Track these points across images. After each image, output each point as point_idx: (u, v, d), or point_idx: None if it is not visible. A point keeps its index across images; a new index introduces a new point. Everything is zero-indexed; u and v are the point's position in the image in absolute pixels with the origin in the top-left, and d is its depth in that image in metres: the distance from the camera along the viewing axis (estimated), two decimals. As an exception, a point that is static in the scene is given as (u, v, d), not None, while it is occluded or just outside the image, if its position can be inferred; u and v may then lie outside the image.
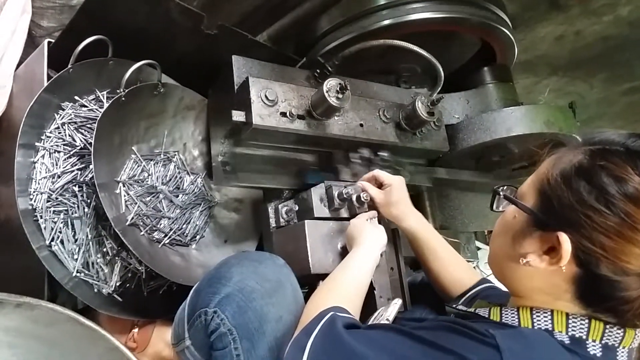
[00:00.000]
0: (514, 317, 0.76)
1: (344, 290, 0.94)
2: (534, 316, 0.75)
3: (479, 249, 2.12)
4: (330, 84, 1.12)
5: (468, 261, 1.85)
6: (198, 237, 1.31)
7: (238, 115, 1.11)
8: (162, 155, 1.29)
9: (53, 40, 1.25)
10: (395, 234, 1.30)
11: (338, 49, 1.46)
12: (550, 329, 0.73)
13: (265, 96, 1.12)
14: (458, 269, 1.16)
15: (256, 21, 1.50)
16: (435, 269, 1.17)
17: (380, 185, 1.20)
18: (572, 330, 0.72)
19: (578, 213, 0.68)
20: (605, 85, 2.50)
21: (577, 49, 2.19)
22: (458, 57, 1.71)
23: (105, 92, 1.23)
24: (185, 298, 1.07)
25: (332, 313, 0.81)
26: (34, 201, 1.07)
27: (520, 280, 0.78)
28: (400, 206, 1.18)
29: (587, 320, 0.72)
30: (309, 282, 1.17)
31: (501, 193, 0.82)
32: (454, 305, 0.86)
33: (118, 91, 1.24)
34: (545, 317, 0.74)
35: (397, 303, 0.93)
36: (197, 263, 1.25)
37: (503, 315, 0.77)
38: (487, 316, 0.78)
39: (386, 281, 1.22)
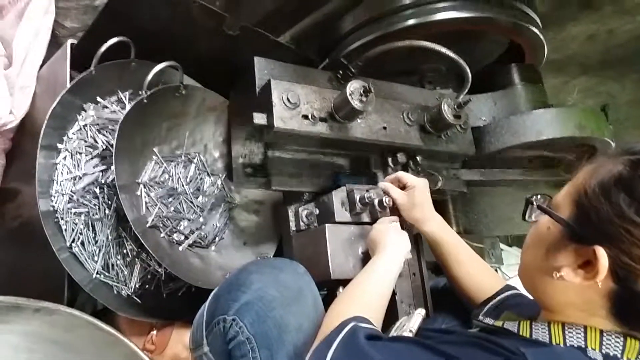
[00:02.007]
0: (545, 332, 0.73)
1: (365, 298, 0.92)
2: (567, 332, 0.71)
3: (501, 250, 2.07)
4: (354, 87, 1.09)
5: (492, 266, 1.81)
6: (217, 239, 1.30)
7: (259, 118, 1.09)
8: (183, 157, 1.28)
9: (76, 41, 1.25)
10: (418, 239, 1.27)
11: (361, 50, 1.44)
12: (583, 346, 0.69)
13: (287, 99, 1.10)
14: (481, 275, 1.13)
15: (278, 21, 1.47)
16: (458, 274, 1.14)
17: (403, 187, 1.18)
18: (607, 348, 0.68)
19: (617, 227, 0.65)
20: (638, 86, 2.41)
21: (609, 49, 2.12)
22: (485, 56, 1.67)
23: (127, 94, 1.23)
24: (204, 300, 1.06)
25: (353, 324, 0.79)
26: (55, 202, 1.07)
27: (553, 295, 0.74)
28: (422, 209, 1.15)
29: (622, 338, 0.68)
30: (329, 287, 1.15)
31: (534, 202, 0.78)
32: (480, 318, 0.83)
33: (140, 92, 1.24)
34: (578, 333, 0.71)
35: (420, 313, 0.90)
36: (216, 265, 1.24)
37: (533, 330, 0.74)
38: (516, 331, 0.75)
39: (408, 287, 1.20)
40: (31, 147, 1.28)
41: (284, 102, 1.10)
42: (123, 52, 1.22)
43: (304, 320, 0.86)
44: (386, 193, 1.16)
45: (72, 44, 1.24)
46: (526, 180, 1.55)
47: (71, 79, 1.19)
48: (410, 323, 0.87)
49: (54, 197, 1.08)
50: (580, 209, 0.70)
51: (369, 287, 0.94)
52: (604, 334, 0.69)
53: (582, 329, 0.70)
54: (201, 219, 1.26)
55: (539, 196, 0.84)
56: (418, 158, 1.26)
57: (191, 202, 1.25)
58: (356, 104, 1.09)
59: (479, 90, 1.53)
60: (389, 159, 1.26)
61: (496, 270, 1.85)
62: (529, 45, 1.57)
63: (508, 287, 1.10)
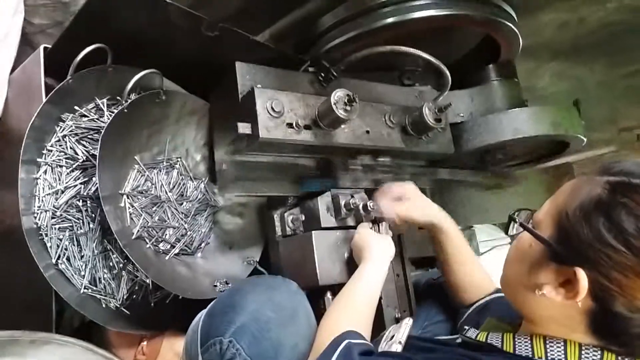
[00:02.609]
0: (527, 346, 0.77)
1: (355, 310, 0.95)
2: (548, 346, 0.76)
3: (470, 227, 2.12)
4: (338, 96, 1.09)
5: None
6: (203, 244, 1.30)
7: (244, 128, 1.09)
8: (164, 163, 1.27)
9: (49, 45, 1.21)
10: (400, 239, 1.30)
11: (340, 47, 1.43)
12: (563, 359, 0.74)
13: (272, 107, 1.10)
14: (478, 277, 1.17)
15: (257, 20, 1.45)
16: (457, 269, 1.17)
17: (397, 198, 1.20)
18: (585, 361, 0.73)
19: (596, 251, 0.68)
20: (606, 70, 2.48)
21: (580, 35, 2.16)
22: (461, 47, 1.68)
23: (105, 100, 1.19)
24: (192, 307, 1.08)
25: (347, 342, 0.82)
26: (38, 219, 1.06)
27: (535, 309, 0.79)
28: (425, 210, 1.18)
29: (599, 352, 0.73)
30: (317, 292, 1.18)
31: (517, 220, 0.82)
32: (465, 333, 0.87)
33: (118, 98, 1.22)
34: (558, 347, 0.75)
35: (408, 323, 0.94)
36: (203, 272, 1.24)
37: (517, 344, 0.78)
38: (500, 346, 0.79)
39: (392, 289, 1.23)
40: (8, 152, 1.25)
41: (268, 111, 1.10)
42: (99, 57, 1.18)
43: (299, 339, 0.88)
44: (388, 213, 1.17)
45: (45, 49, 1.20)
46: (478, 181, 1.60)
47: (46, 84, 1.15)
48: (400, 334, 0.90)
49: (37, 214, 1.06)
50: (562, 230, 0.73)
51: (358, 298, 0.97)
52: (583, 348, 0.74)
53: (562, 343, 0.75)
54: (186, 226, 1.26)
55: (521, 211, 0.87)
56: (383, 159, 1.27)
57: (175, 209, 1.24)
58: (341, 112, 1.09)
59: (455, 86, 1.55)
60: (353, 161, 1.26)
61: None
62: (505, 40, 1.59)
63: (497, 290, 1.15)
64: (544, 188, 1.58)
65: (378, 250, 1.07)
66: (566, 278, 0.72)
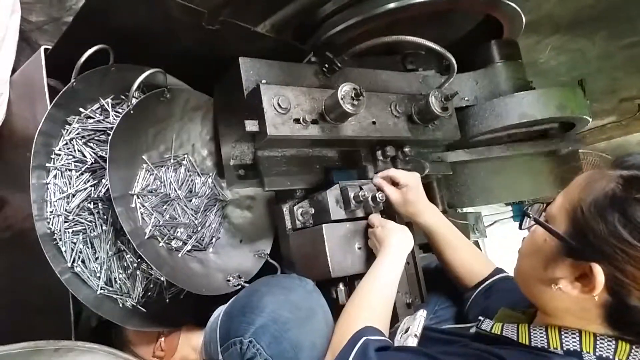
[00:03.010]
0: (542, 337, 0.79)
1: (373, 304, 0.96)
2: (563, 336, 0.77)
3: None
4: (345, 90, 1.09)
5: (477, 239, 1.89)
6: (214, 239, 1.31)
7: (251, 125, 1.08)
8: (172, 160, 1.27)
9: (49, 46, 1.19)
10: (409, 226, 1.31)
11: (341, 34, 1.42)
12: (578, 349, 0.75)
13: (278, 104, 1.09)
14: (474, 261, 1.20)
15: (255, 8, 1.43)
16: (452, 261, 1.20)
17: (396, 184, 1.21)
18: (600, 350, 0.75)
19: (612, 246, 0.69)
20: (607, 42, 2.47)
21: (581, 9, 2.14)
22: (461, 27, 1.66)
23: (109, 100, 1.19)
24: (206, 302, 1.09)
25: (365, 339, 0.83)
26: (52, 224, 1.06)
27: (550, 302, 0.80)
28: (417, 204, 1.19)
29: (614, 342, 0.75)
30: (329, 283, 1.20)
31: (532, 216, 0.82)
32: (480, 326, 0.88)
33: (122, 97, 1.21)
34: (573, 337, 0.77)
35: (422, 315, 0.95)
36: (216, 267, 1.26)
37: (532, 335, 0.80)
38: (516, 338, 0.81)
39: (404, 276, 1.24)
40: (13, 154, 1.25)
41: (274, 108, 1.10)
42: (100, 56, 1.17)
43: (317, 337, 0.90)
44: (380, 190, 1.19)
45: (46, 49, 1.18)
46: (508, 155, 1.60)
47: (48, 86, 1.14)
48: (415, 327, 0.92)
49: (49, 219, 1.06)
50: (577, 226, 0.74)
51: (375, 293, 0.99)
52: (598, 338, 0.75)
53: (578, 333, 0.76)
54: (197, 222, 1.26)
55: (534, 206, 0.88)
56: (406, 149, 1.28)
57: (185, 206, 1.25)
58: (348, 107, 1.09)
59: (459, 69, 1.54)
60: (378, 152, 1.28)
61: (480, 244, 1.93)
62: (507, 19, 1.57)
63: (498, 270, 1.17)
64: (549, 167, 1.59)
65: (398, 242, 1.08)
66: (582, 272, 0.73)
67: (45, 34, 1.50)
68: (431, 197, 1.26)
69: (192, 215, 1.26)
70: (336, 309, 1.03)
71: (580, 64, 2.69)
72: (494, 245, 3.31)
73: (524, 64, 1.59)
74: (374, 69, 1.38)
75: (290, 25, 1.47)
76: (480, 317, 0.91)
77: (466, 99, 1.50)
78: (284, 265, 1.29)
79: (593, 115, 1.56)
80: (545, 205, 0.85)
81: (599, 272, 0.70)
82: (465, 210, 1.86)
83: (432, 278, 1.34)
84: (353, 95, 1.08)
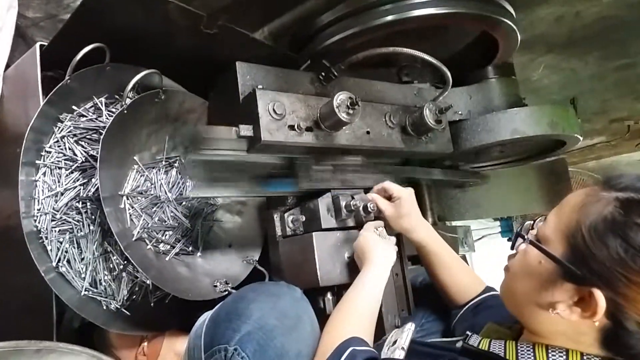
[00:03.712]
0: (530, 355, 0.78)
1: (359, 315, 0.96)
2: (550, 355, 0.77)
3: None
4: (341, 99, 1.09)
5: (465, 254, 1.89)
6: (203, 244, 1.30)
7: (246, 130, 1.08)
8: (163, 162, 1.26)
9: (45, 43, 1.18)
10: (399, 239, 1.31)
11: (338, 44, 1.42)
12: (563, 369, 0.75)
13: (274, 109, 1.09)
14: (465, 280, 1.19)
15: (253, 13, 1.43)
16: (443, 279, 1.19)
17: (389, 197, 1.20)
18: (585, 370, 0.74)
19: (613, 272, 0.68)
20: (599, 62, 2.50)
21: (576, 29, 2.17)
22: (457, 42, 1.68)
23: (103, 99, 1.18)
24: (191, 307, 1.07)
25: (351, 349, 0.83)
26: (38, 222, 1.05)
27: (542, 324, 0.79)
28: (410, 219, 1.18)
29: (600, 362, 0.74)
30: (316, 292, 1.19)
31: (527, 238, 0.80)
32: (467, 341, 0.88)
33: (116, 96, 1.20)
34: (560, 356, 0.76)
35: (410, 329, 0.95)
36: (203, 272, 1.24)
37: (519, 353, 0.79)
38: (502, 355, 0.80)
39: (391, 289, 1.24)
40: (3, 151, 1.23)
41: (270, 113, 1.09)
42: (96, 54, 1.16)
43: (303, 346, 0.89)
44: (372, 202, 1.18)
45: (41, 46, 1.17)
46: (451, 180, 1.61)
47: (42, 83, 1.13)
48: (402, 340, 0.91)
49: (36, 217, 1.05)
50: (576, 251, 0.72)
51: (360, 304, 0.98)
52: (585, 356, 0.75)
53: (565, 352, 0.76)
54: (186, 225, 1.25)
55: (525, 225, 0.87)
56: (355, 158, 1.27)
57: (175, 208, 1.24)
58: (343, 116, 1.09)
59: (454, 82, 1.55)
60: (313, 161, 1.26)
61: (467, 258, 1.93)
62: (504, 36, 1.59)
63: (487, 289, 1.16)
64: (539, 184, 1.60)
65: (381, 254, 1.08)
66: (580, 296, 0.72)
67: (42, 30, 1.49)
68: (422, 209, 1.25)
69: (181, 218, 1.25)
70: (323, 318, 1.02)
71: (572, 84, 2.72)
72: (481, 260, 3.32)
73: (517, 81, 1.61)
74: (370, 80, 1.38)
75: (288, 32, 1.47)
76: (468, 332, 0.91)
77: (460, 112, 1.51)
78: (272, 272, 1.28)
79: (583, 135, 1.58)
80: (533, 222, 0.85)
81: (600, 297, 0.69)
82: (454, 223, 1.86)
83: (419, 290, 1.33)
84: (349, 104, 1.08)
